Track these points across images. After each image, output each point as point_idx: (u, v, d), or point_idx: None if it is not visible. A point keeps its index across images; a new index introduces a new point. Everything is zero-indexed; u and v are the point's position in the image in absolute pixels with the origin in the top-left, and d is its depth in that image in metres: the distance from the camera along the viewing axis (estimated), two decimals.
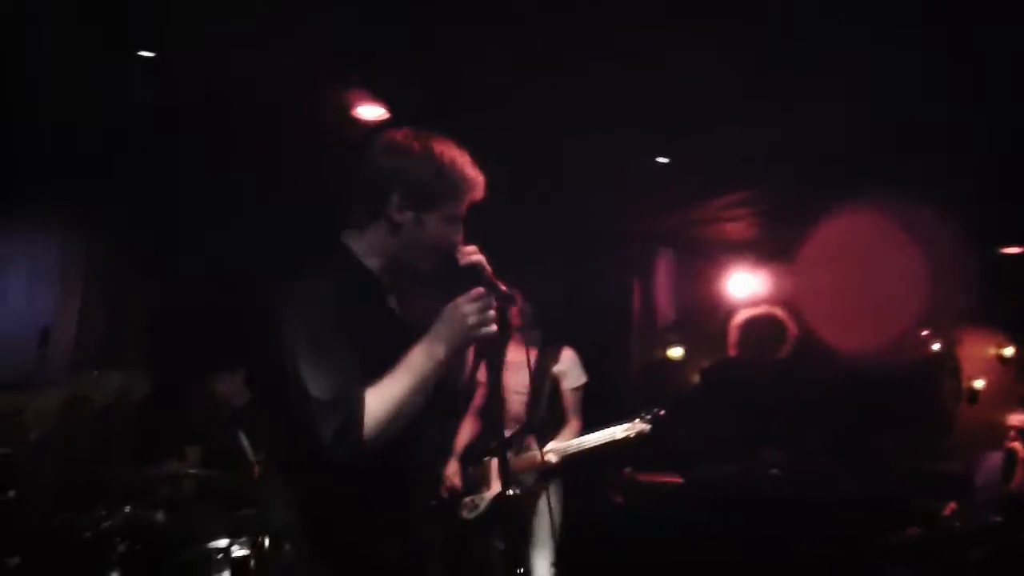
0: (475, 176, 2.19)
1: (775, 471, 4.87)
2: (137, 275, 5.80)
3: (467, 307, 2.04)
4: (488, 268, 2.15)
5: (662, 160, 5.05)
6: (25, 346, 4.93)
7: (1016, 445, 6.35)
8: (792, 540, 4.66)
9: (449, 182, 2.15)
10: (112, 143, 4.92)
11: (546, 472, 4.43)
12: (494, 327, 2.06)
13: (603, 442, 4.33)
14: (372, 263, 2.20)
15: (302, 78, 4.26)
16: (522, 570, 3.70)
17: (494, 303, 2.07)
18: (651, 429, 4.29)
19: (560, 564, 4.40)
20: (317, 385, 1.94)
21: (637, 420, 4.32)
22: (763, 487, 4.76)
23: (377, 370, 1.99)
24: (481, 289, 2.06)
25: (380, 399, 1.96)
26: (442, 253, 2.18)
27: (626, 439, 4.31)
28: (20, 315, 5.12)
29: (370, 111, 4.66)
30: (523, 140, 4.88)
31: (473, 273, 2.14)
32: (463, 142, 2.23)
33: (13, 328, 5.03)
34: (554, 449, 4.36)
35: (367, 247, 2.20)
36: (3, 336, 4.98)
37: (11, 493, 3.51)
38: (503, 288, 2.13)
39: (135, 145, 4.96)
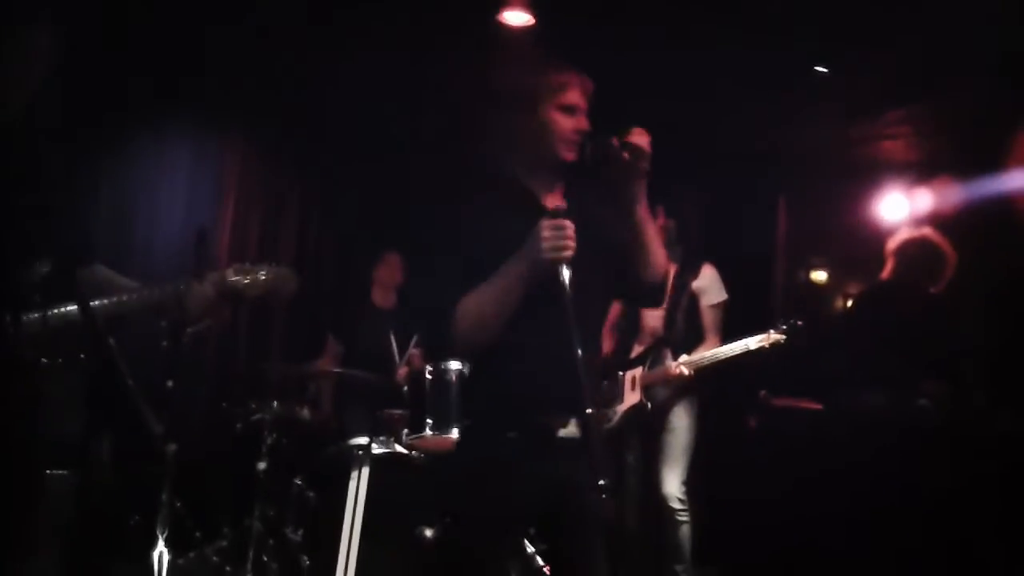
0: (566, 67, 2.37)
1: (924, 402, 4.66)
2: (292, 177, 5.99)
3: (546, 232, 2.15)
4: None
5: (821, 70, 4.78)
6: (185, 246, 5.19)
7: None
8: (936, 476, 4.48)
9: (545, 74, 2.36)
10: (265, 50, 5.05)
11: (680, 386, 4.39)
12: (568, 253, 2.14)
13: (737, 353, 4.25)
14: (520, 171, 2.40)
15: None
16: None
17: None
18: (787, 340, 4.19)
19: (689, 482, 4.38)
20: (433, 289, 2.32)
21: (772, 331, 4.22)
22: (910, 418, 4.57)
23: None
24: (561, 220, 2.16)
25: (471, 302, 2.23)
26: (569, 142, 2.32)
27: (760, 349, 4.23)
28: (180, 216, 5.35)
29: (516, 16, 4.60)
30: (675, 50, 4.74)
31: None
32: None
33: (174, 229, 5.26)
34: (687, 361, 4.31)
35: (513, 162, 2.41)
36: (164, 236, 5.23)
37: (170, 383, 3.69)
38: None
39: (289, 53, 5.07)
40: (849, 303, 6.24)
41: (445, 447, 4.38)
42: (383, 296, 5.32)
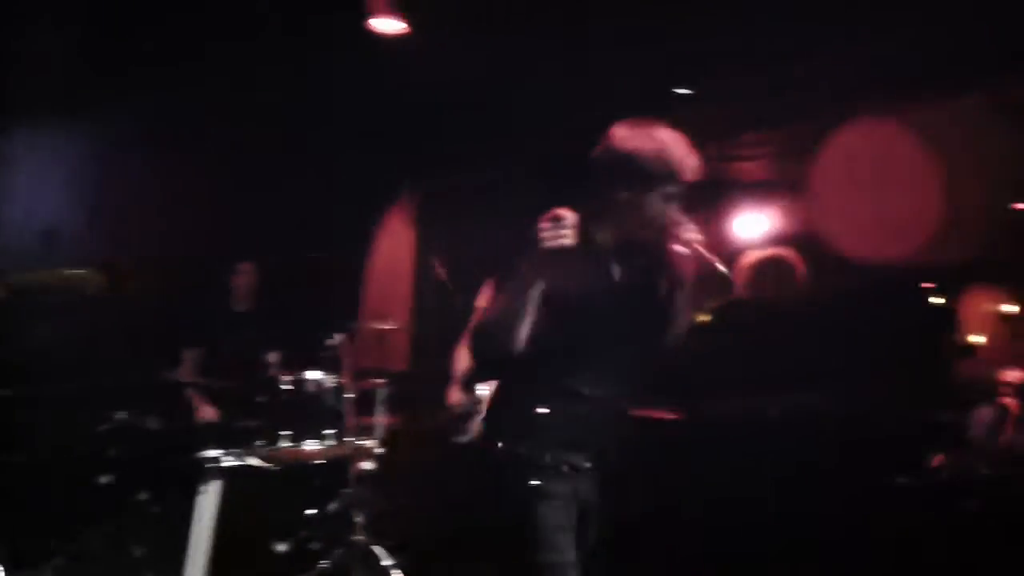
0: (688, 159, 2.42)
1: (776, 410, 4.85)
2: (148, 178, 5.71)
3: (543, 225, 2.26)
4: (702, 248, 2.38)
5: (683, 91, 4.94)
6: (32, 244, 4.93)
7: (1009, 401, 6.38)
8: (786, 481, 4.67)
9: (664, 164, 2.40)
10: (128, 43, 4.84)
11: None
12: (562, 242, 2.25)
13: None
14: (601, 236, 2.51)
15: None
16: None
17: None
18: None
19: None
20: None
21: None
22: (763, 426, 4.75)
23: (591, 322, 2.42)
24: (559, 213, 2.27)
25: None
26: (660, 227, 2.43)
27: None
28: (28, 213, 5.08)
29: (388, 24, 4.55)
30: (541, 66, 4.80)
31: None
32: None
33: (21, 226, 5.00)
34: None
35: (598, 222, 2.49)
36: (12, 234, 4.96)
37: (8, 392, 3.47)
38: (718, 266, 2.36)
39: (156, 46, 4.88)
40: (707, 318, 6.45)
41: (301, 459, 4.28)
42: (241, 303, 5.13)
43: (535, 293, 2.34)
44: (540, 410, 2.43)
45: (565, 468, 2.43)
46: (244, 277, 5.13)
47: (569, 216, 2.28)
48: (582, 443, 2.48)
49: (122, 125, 5.41)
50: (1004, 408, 6.38)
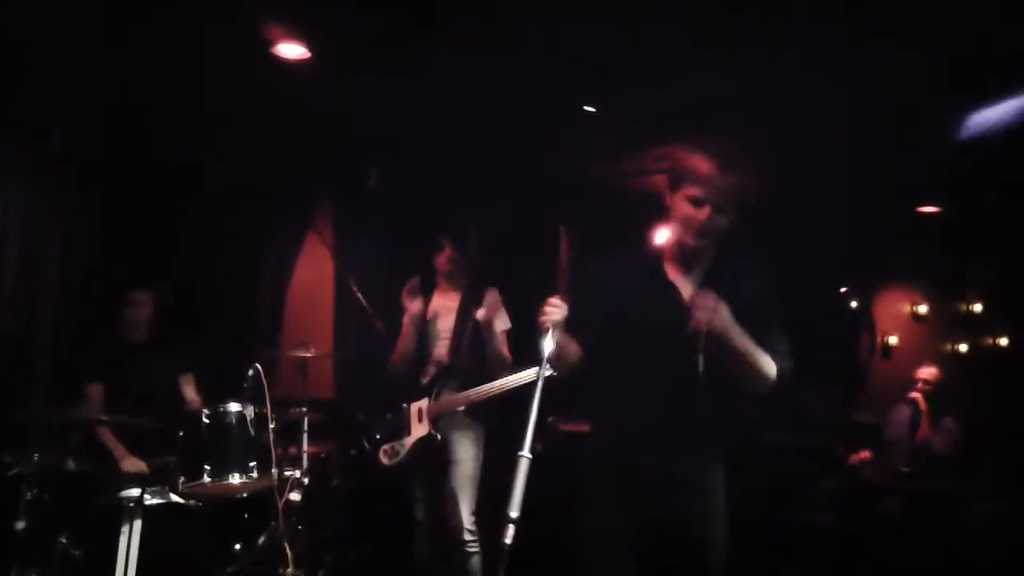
0: (706, 164, 2.61)
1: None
2: (52, 208, 5.53)
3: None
4: None
5: (589, 109, 5.03)
6: None
7: (918, 396, 6.59)
8: (714, 488, 4.74)
9: (687, 168, 2.64)
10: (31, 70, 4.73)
11: (464, 416, 4.39)
12: (549, 321, 2.56)
13: (514, 385, 4.27)
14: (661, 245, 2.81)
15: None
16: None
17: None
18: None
19: (479, 512, 4.39)
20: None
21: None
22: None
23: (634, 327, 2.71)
24: (553, 298, 2.59)
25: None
26: (691, 229, 2.65)
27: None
28: None
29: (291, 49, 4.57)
30: (454, 86, 4.84)
31: None
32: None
33: None
34: (470, 392, 4.32)
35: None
36: None
37: None
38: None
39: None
40: None
41: (225, 494, 4.21)
42: (135, 332, 4.95)
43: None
44: None
45: None
46: (141, 307, 4.95)
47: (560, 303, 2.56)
48: None
49: (22, 158, 5.27)
50: (915, 404, 6.60)
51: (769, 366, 2.65)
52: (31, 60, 4.66)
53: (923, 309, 9.04)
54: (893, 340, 8.93)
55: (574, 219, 6.80)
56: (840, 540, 5.77)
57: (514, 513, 2.12)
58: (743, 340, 2.57)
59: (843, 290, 8.73)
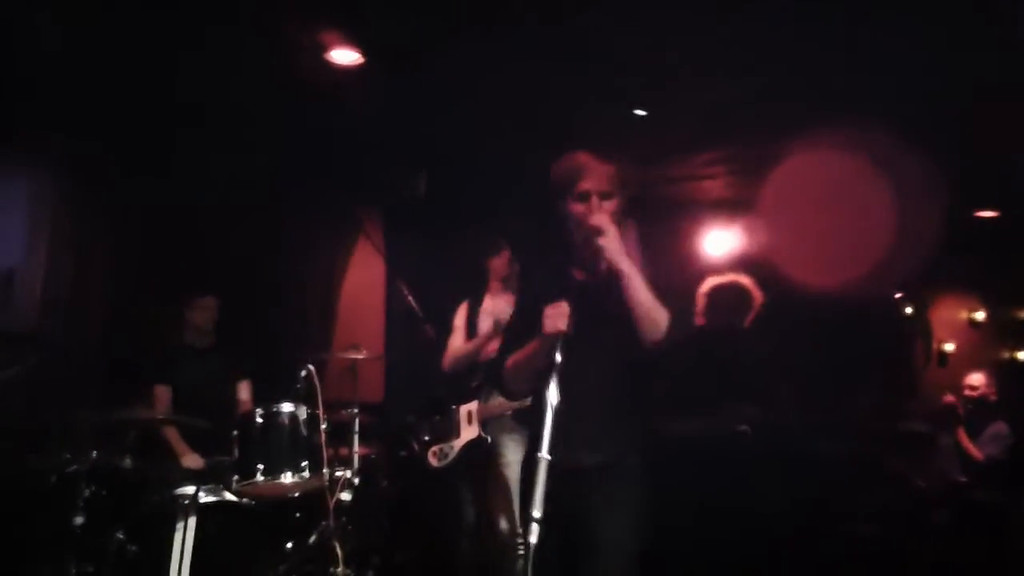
0: (581, 160, 2.73)
1: (743, 427, 4.89)
2: (107, 215, 5.69)
3: (547, 314, 2.54)
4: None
5: (639, 112, 5.02)
6: None
7: (954, 400, 6.45)
8: (758, 497, 4.69)
9: (563, 171, 2.75)
10: (86, 79, 4.84)
11: (512, 420, 4.40)
12: (560, 331, 2.49)
13: None
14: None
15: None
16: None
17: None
18: None
19: (524, 515, 4.39)
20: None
21: None
22: (729, 443, 4.78)
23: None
24: (559, 304, 2.55)
25: (512, 359, 2.80)
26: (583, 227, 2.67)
27: None
28: None
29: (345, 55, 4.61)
30: (496, 86, 4.85)
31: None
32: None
33: None
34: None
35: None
36: None
37: None
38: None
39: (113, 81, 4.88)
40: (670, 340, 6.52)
41: (277, 493, 4.27)
42: (199, 338, 5.10)
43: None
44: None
45: None
46: (203, 312, 5.08)
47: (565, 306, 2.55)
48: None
49: (76, 165, 5.41)
50: (954, 410, 6.46)
51: (661, 311, 2.64)
52: (85, 72, 4.77)
53: (980, 316, 8.87)
54: (949, 347, 8.76)
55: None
56: (890, 550, 5.68)
57: (537, 513, 2.16)
58: (636, 273, 2.63)
59: (898, 296, 8.58)
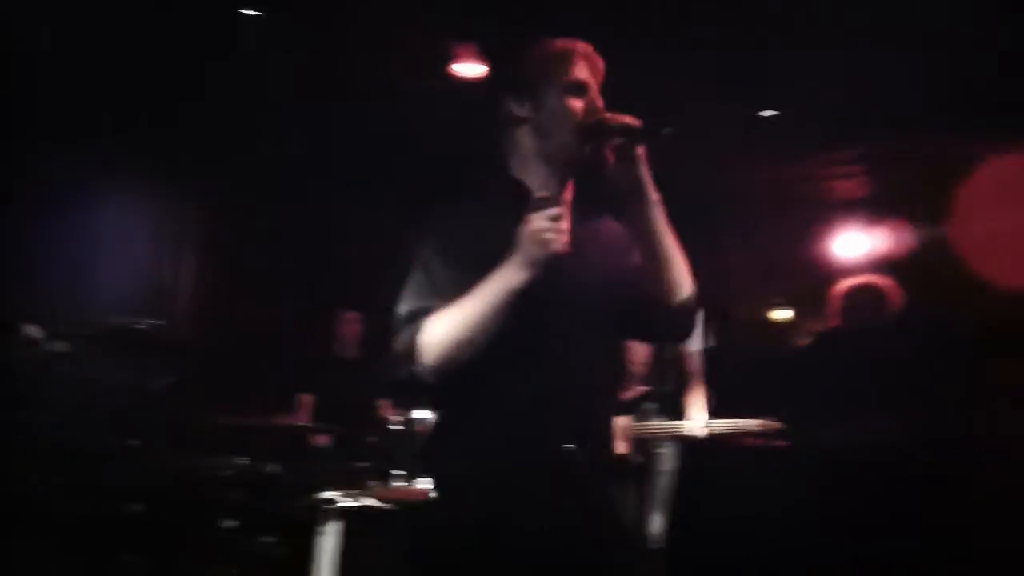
0: (575, 45, 2.07)
1: (882, 435, 4.73)
2: (250, 235, 5.94)
3: (535, 223, 1.84)
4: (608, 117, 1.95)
5: (768, 113, 4.93)
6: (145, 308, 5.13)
7: None
8: (893, 508, 4.53)
9: (546, 53, 2.07)
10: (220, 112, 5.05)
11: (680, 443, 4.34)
12: (561, 244, 1.85)
13: (742, 429, 4.22)
14: (528, 173, 2.09)
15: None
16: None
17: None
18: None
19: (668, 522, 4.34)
20: (400, 303, 1.98)
21: (770, 419, 4.25)
22: (868, 451, 4.63)
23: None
24: (552, 208, 1.86)
25: (444, 323, 1.89)
26: (582, 126, 2.00)
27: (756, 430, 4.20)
28: (141, 278, 5.30)
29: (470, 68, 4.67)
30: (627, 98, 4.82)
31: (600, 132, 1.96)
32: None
33: (136, 291, 5.22)
34: (669, 426, 4.24)
35: (517, 161, 2.11)
36: (118, 291, 5.18)
37: (135, 442, 3.63)
38: (632, 121, 1.91)
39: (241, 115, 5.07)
40: (807, 342, 6.35)
41: (415, 498, 4.34)
42: (348, 350, 5.33)
43: None
44: None
45: None
46: (349, 326, 5.30)
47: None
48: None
49: (221, 179, 5.64)
50: None
51: (685, 264, 2.06)
52: (227, 87, 4.97)
53: None
54: None
55: (748, 227, 6.64)
56: None
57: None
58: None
59: None
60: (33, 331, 2.97)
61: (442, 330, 1.89)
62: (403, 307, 1.97)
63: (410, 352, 1.90)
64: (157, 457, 4.72)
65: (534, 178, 2.07)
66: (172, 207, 5.63)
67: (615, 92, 2.06)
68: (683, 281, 2.05)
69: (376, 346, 5.36)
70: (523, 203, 1.91)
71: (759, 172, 5.91)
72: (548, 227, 1.83)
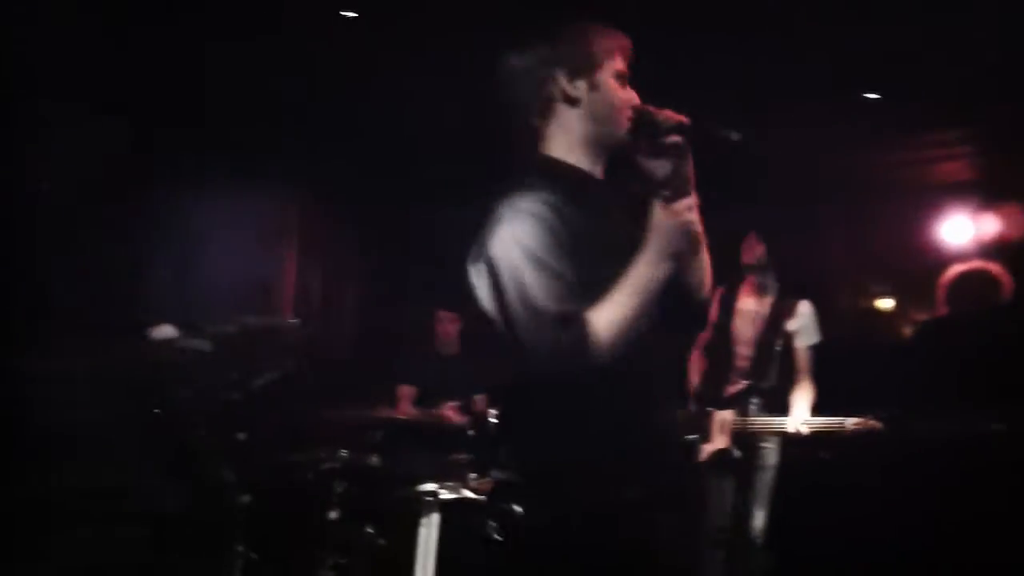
0: (621, 39, 2.07)
1: (993, 429, 4.57)
2: (349, 232, 6.10)
3: (686, 213, 1.90)
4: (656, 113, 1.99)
5: (871, 96, 4.79)
6: (250, 303, 5.30)
7: None
8: (1005, 505, 4.37)
9: (604, 38, 2.05)
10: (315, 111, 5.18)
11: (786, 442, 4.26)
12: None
13: (844, 428, 4.07)
14: (574, 157, 2.07)
15: None
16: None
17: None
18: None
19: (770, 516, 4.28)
20: (546, 300, 1.85)
21: (871, 418, 4.10)
22: (975, 445, 4.47)
23: (599, 265, 1.89)
24: (693, 198, 1.92)
25: (609, 318, 1.84)
26: (627, 112, 2.02)
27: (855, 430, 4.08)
28: (246, 273, 5.48)
29: None
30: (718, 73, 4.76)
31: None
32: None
33: (236, 284, 5.39)
34: (808, 423, 4.11)
35: (562, 143, 2.07)
36: (226, 292, 5.35)
37: (242, 435, 3.76)
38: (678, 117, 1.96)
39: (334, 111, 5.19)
40: (912, 332, 6.16)
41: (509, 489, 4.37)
42: (446, 345, 5.48)
43: None
44: None
45: None
46: (446, 324, 5.44)
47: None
48: None
49: (321, 179, 5.78)
50: None
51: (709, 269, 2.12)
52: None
53: None
54: None
55: (851, 214, 6.46)
56: None
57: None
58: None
59: None
60: (167, 331, 3.09)
61: (611, 324, 1.84)
62: (548, 307, 1.84)
63: (584, 349, 1.82)
64: (265, 450, 4.90)
65: (583, 162, 2.07)
66: (281, 209, 5.82)
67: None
68: (708, 277, 2.11)
69: (475, 344, 5.45)
70: (609, 191, 2.03)
71: (862, 158, 5.74)
72: (693, 218, 1.92)
